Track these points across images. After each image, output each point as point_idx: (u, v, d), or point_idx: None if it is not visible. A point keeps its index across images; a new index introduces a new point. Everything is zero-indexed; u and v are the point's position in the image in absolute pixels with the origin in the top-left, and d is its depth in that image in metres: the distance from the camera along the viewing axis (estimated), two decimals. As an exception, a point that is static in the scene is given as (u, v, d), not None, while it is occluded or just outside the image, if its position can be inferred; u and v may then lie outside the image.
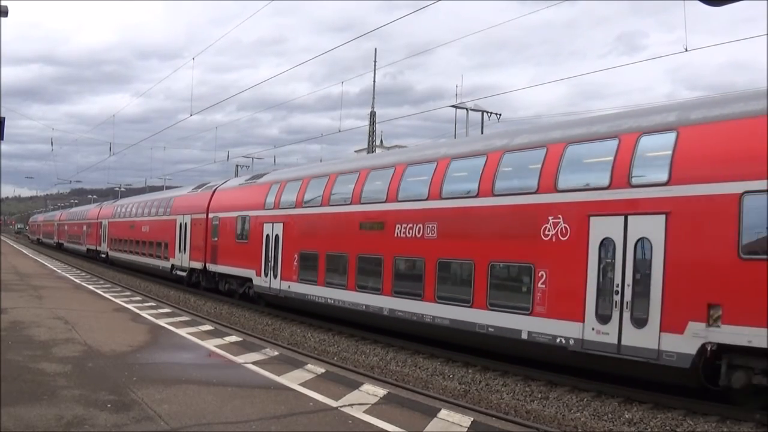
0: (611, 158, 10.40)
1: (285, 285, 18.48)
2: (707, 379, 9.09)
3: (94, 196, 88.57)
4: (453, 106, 31.96)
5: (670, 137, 9.80)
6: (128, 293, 22.30)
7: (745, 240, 8.60)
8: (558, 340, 10.64)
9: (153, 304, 19.11)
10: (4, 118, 16.56)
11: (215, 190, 25.19)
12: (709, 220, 9.06)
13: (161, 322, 14.26)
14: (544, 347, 10.92)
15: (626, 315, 9.74)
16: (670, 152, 9.67)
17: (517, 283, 11.84)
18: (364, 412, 7.35)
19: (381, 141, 49.40)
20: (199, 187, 28.47)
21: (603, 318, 10.09)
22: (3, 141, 17.46)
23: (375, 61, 52.59)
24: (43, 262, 38.33)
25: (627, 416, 9.45)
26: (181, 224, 26.57)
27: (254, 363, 10.15)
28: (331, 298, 16.39)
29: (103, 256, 40.70)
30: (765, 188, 8.44)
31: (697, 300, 8.97)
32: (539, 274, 11.11)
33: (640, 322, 9.59)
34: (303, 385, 8.65)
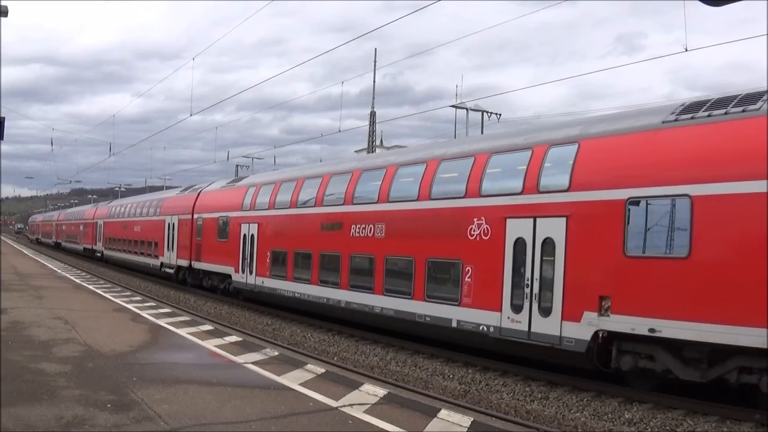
0: (525, 167, 11.75)
1: (259, 280, 19.94)
2: (601, 363, 10.27)
3: (94, 196, 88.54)
4: (453, 106, 31.97)
5: (572, 149, 11.10)
6: (128, 293, 22.30)
7: (629, 240, 9.86)
8: (481, 328, 12.01)
9: (153, 304, 19.11)
10: (4, 118, 16.58)
11: (200, 192, 26.74)
12: (601, 222, 10.31)
13: (161, 322, 14.27)
14: (469, 334, 12.33)
15: (534, 305, 11.06)
16: (571, 162, 10.96)
17: (449, 277, 13.10)
18: (364, 412, 7.35)
19: (381, 141, 49.40)
20: (185, 189, 30.15)
21: (516, 308, 11.41)
22: (3, 141, 17.48)
23: (375, 61, 52.56)
24: (43, 262, 38.33)
25: (627, 416, 9.45)
26: (169, 224, 28.04)
27: (254, 363, 10.16)
28: (297, 292, 17.85)
29: (99, 254, 42.13)
30: (646, 195, 9.76)
31: (591, 292, 10.21)
32: (466, 270, 12.45)
33: (546, 312, 10.86)
34: (303, 385, 8.65)
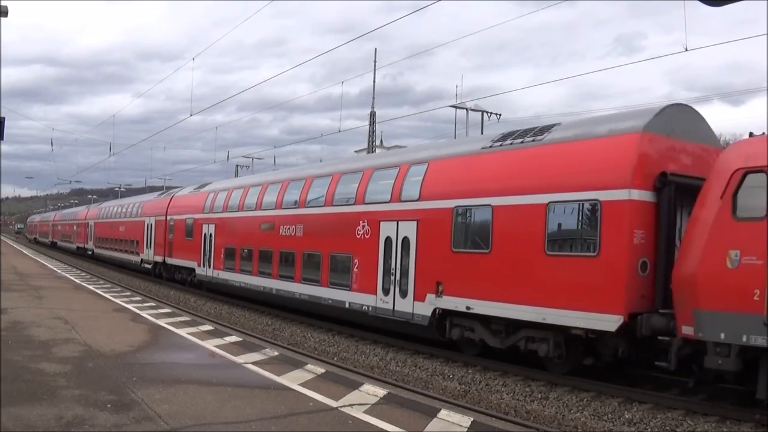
0: (392, 181, 14.74)
1: (216, 273, 23.28)
2: (440, 334, 13.17)
3: (94, 197, 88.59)
4: (453, 106, 31.96)
5: (423, 168, 14.16)
6: (128, 293, 22.30)
7: (454, 239, 12.83)
8: (363, 307, 15.05)
9: (153, 304, 19.11)
10: (4, 118, 16.59)
11: (173, 196, 30.03)
12: (438, 225, 13.17)
13: (161, 322, 14.26)
14: (356, 313, 15.41)
15: (397, 289, 14.12)
16: (421, 178, 13.97)
17: (343, 268, 15.98)
18: (364, 412, 7.35)
19: (381, 141, 49.41)
20: (162, 193, 34.28)
21: (385, 291, 14.43)
22: (3, 141, 17.49)
23: (375, 61, 52.55)
24: (43, 262, 38.33)
25: (627, 416, 9.45)
26: (147, 225, 31.32)
27: (254, 363, 10.15)
28: (243, 282, 21.01)
29: (90, 252, 45.60)
30: (465, 205, 12.67)
31: (431, 279, 13.19)
32: (354, 262, 15.51)
33: (404, 294, 13.89)
34: (303, 385, 8.64)
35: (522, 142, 12.21)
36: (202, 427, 6.32)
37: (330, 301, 16.25)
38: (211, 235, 23.73)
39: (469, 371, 12.24)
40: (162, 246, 28.88)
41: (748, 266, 8.48)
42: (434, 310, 13.04)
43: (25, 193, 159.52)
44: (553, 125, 12.16)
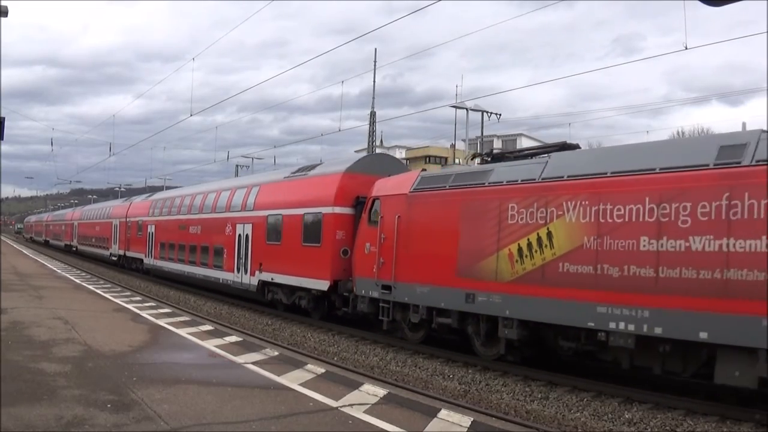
0: (244, 196, 21.84)
1: (155, 262, 30.66)
2: (263, 296, 19.99)
3: (94, 197, 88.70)
4: (453, 105, 31.93)
5: (258, 188, 21.41)
6: (128, 293, 22.30)
7: (267, 236, 19.67)
8: (228, 281, 22.05)
9: (153, 304, 19.11)
10: (4, 118, 16.56)
11: (131, 203, 37.82)
12: (260, 227, 20.15)
13: (161, 322, 14.26)
14: (226, 285, 22.36)
15: (243, 268, 20.98)
16: (255, 195, 21.10)
17: (219, 255, 22.91)
18: (364, 412, 7.34)
19: (381, 141, 49.38)
20: (126, 200, 42.20)
21: (238, 270, 21.32)
22: (3, 141, 17.47)
23: (375, 60, 52.43)
24: (43, 262, 38.33)
25: (627, 416, 9.45)
26: (114, 225, 38.81)
27: (254, 363, 10.15)
28: (170, 268, 28.45)
29: (74, 249, 52.66)
30: (272, 214, 19.61)
31: (257, 261, 20.12)
32: (225, 251, 22.41)
33: (246, 271, 20.78)
34: (303, 385, 8.64)
35: (300, 174, 19.73)
36: (202, 427, 6.31)
37: (213, 278, 23.49)
38: (152, 233, 31.32)
39: (469, 371, 12.23)
40: (123, 242, 36.18)
41: (372, 253, 14.84)
42: (259, 281, 19.92)
43: (25, 193, 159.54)
44: (317, 164, 19.85)
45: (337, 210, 16.72)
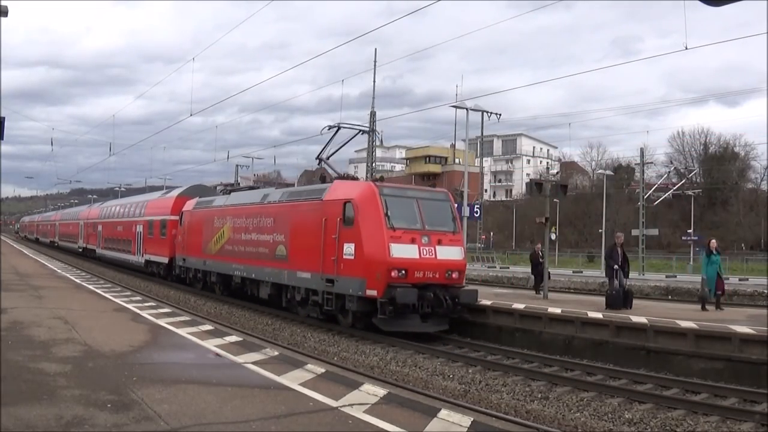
0: (138, 209, 35.50)
1: (102, 251, 42.38)
2: (147, 269, 32.91)
3: (94, 196, 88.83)
4: (453, 105, 31.91)
5: (145, 204, 34.97)
6: (128, 293, 22.29)
7: (148, 231, 32.63)
8: (135, 262, 34.62)
9: (153, 304, 19.08)
10: (4, 118, 16.56)
11: (90, 208, 51.98)
12: (146, 226, 32.71)
13: (161, 322, 14.25)
14: (134, 265, 34.68)
15: (139, 252, 33.81)
16: (144, 208, 34.71)
17: (129, 244, 35.03)
18: (364, 412, 7.33)
19: (381, 141, 49.32)
20: (89, 206, 56.14)
21: (138, 253, 34.06)
22: (3, 141, 17.49)
23: (375, 60, 52.31)
24: (43, 262, 38.34)
25: (627, 416, 9.45)
26: (80, 224, 51.69)
27: (254, 363, 10.14)
28: (108, 255, 40.63)
29: (56, 244, 65.03)
30: (150, 219, 32.43)
31: (144, 247, 33.29)
32: (132, 242, 34.71)
33: (140, 254, 33.33)
34: (303, 385, 8.63)
35: (160, 195, 32.89)
36: (202, 427, 6.31)
37: (129, 260, 35.52)
38: (101, 231, 43.27)
39: (469, 371, 12.24)
40: (86, 237, 48.66)
41: (179, 240, 28.34)
42: (145, 260, 32.49)
43: (25, 193, 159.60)
44: (171, 189, 34.29)
45: (173, 218, 29.30)
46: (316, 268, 16.81)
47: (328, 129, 20.06)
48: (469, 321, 16.66)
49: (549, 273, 22.50)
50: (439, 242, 15.75)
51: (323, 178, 20.18)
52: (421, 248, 15.45)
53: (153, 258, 31.29)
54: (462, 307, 15.87)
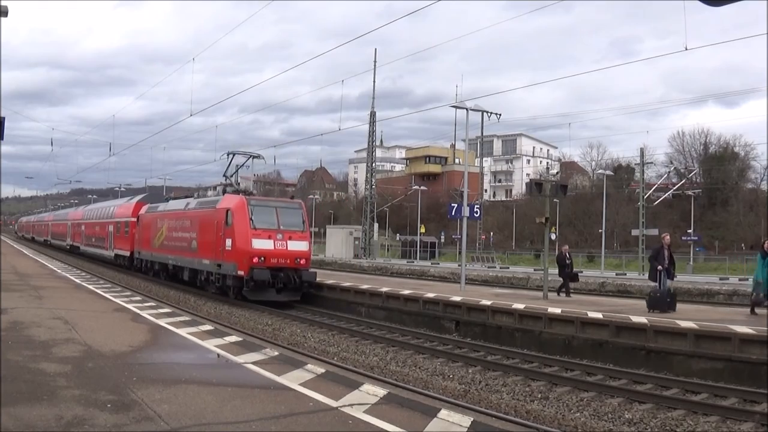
0: (110, 211, 43.32)
1: (86, 247, 48.30)
2: (116, 261, 39.21)
3: (94, 196, 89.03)
4: (453, 105, 31.88)
5: (115, 207, 42.19)
6: (128, 293, 22.28)
7: (116, 230, 39.57)
8: (107, 255, 40.99)
9: (153, 304, 19.07)
10: (4, 118, 16.55)
11: (76, 210, 60.55)
12: (115, 226, 39.56)
13: (161, 322, 14.24)
14: (106, 258, 40.81)
15: (111, 247, 40.34)
16: (114, 210, 42.09)
17: (103, 241, 42.08)
18: (364, 412, 7.33)
19: (381, 141, 49.39)
20: (75, 209, 64.75)
21: (111, 247, 39.77)
22: (3, 141, 17.51)
23: (375, 61, 52.32)
24: (43, 262, 38.32)
25: (627, 416, 9.45)
26: (68, 224, 58.22)
27: (254, 363, 10.13)
28: (84, 249, 48.17)
29: (48, 242, 71.78)
30: (119, 220, 39.07)
31: (114, 243, 39.56)
32: (107, 239, 41.02)
33: (111, 248, 40.05)
34: (303, 385, 8.62)
35: (126, 201, 41.83)
36: (202, 427, 6.31)
37: (104, 255, 41.29)
38: (83, 229, 49.73)
39: (469, 371, 12.24)
40: (73, 236, 54.88)
41: (131, 235, 35.67)
42: (114, 254, 38.05)
43: (25, 193, 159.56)
44: (136, 197, 41.30)
45: (132, 219, 35.15)
46: (212, 256, 23.52)
47: (226, 156, 28.24)
48: (314, 294, 22.79)
49: (577, 274, 24.43)
50: (290, 238, 21.90)
51: (224, 192, 26.82)
52: (276, 242, 21.58)
53: (120, 252, 37.92)
54: (307, 284, 21.84)
